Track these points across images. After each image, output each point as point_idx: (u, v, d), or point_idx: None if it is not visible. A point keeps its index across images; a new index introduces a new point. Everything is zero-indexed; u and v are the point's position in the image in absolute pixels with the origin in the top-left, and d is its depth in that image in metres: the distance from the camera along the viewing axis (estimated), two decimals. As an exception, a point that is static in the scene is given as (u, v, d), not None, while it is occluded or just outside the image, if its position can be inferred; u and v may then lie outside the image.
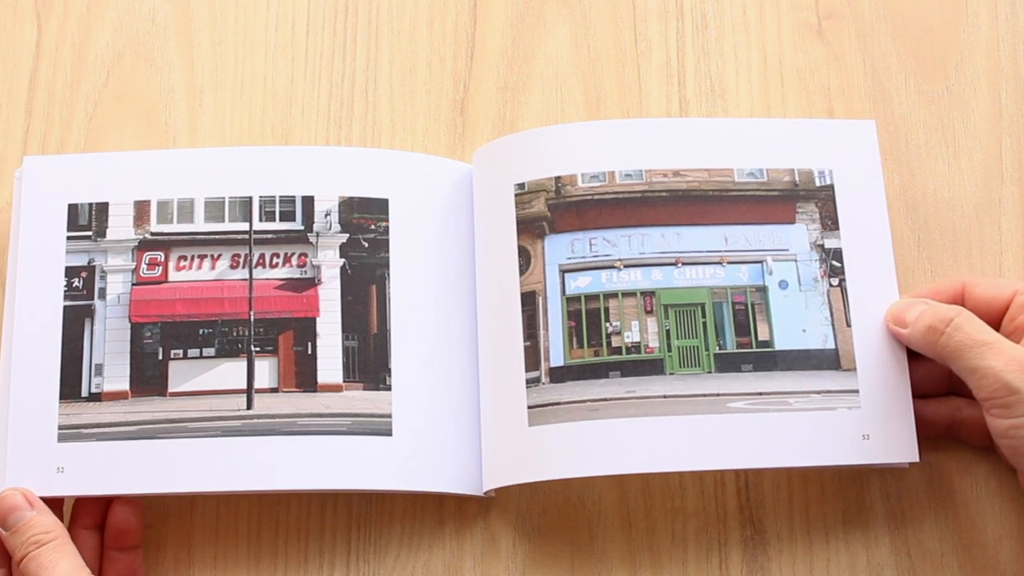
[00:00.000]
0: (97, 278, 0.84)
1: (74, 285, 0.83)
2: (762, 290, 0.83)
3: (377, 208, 0.84)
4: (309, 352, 0.83)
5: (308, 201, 0.84)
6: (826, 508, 0.83)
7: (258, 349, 0.83)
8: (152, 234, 0.84)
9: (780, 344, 0.82)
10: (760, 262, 0.83)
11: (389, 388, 0.82)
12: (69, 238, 0.83)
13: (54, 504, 0.79)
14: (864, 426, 0.79)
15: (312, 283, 0.84)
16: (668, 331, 0.82)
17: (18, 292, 0.82)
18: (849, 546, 0.82)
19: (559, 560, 0.83)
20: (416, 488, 0.80)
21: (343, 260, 0.84)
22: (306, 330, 0.84)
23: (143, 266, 0.84)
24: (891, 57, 0.91)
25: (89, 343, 0.83)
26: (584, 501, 0.83)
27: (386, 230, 0.84)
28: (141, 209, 0.85)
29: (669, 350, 0.82)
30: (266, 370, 0.83)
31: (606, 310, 0.82)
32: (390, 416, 0.81)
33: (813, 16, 0.92)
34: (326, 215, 0.84)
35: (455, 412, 0.82)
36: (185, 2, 0.93)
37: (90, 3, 0.92)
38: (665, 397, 0.80)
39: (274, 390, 0.83)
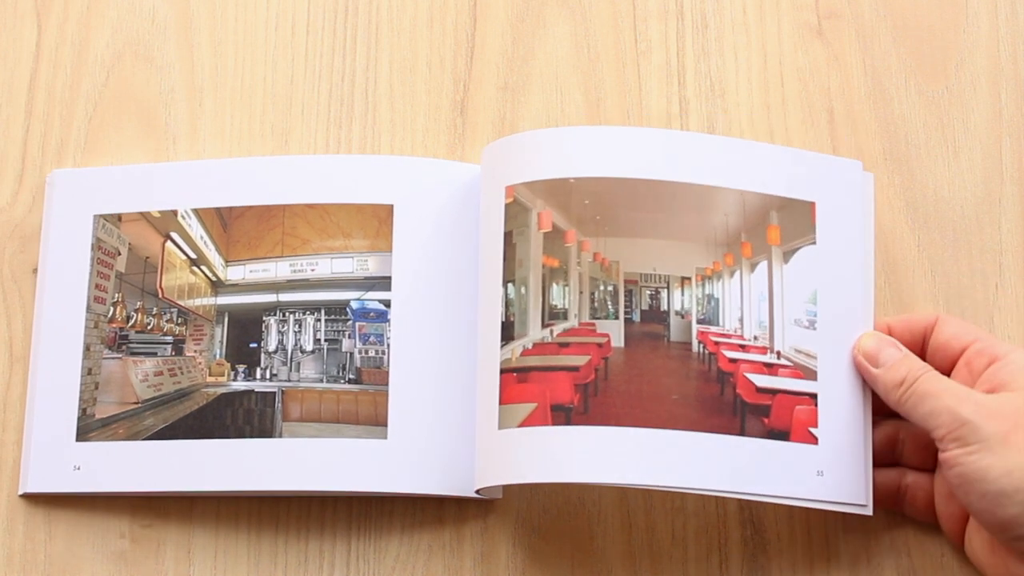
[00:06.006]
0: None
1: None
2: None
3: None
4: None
5: None
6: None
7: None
8: None
9: None
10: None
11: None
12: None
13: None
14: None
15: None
16: None
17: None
18: (849, 546, 0.82)
19: (559, 560, 0.83)
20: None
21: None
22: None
23: None
24: (891, 57, 0.91)
25: None
26: (584, 501, 0.83)
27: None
28: None
29: None
30: (265, 374, 0.84)
31: None
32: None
33: (813, 16, 0.92)
34: None
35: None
36: (185, 2, 0.93)
37: (90, 3, 0.92)
38: None
39: (272, 393, 0.84)
